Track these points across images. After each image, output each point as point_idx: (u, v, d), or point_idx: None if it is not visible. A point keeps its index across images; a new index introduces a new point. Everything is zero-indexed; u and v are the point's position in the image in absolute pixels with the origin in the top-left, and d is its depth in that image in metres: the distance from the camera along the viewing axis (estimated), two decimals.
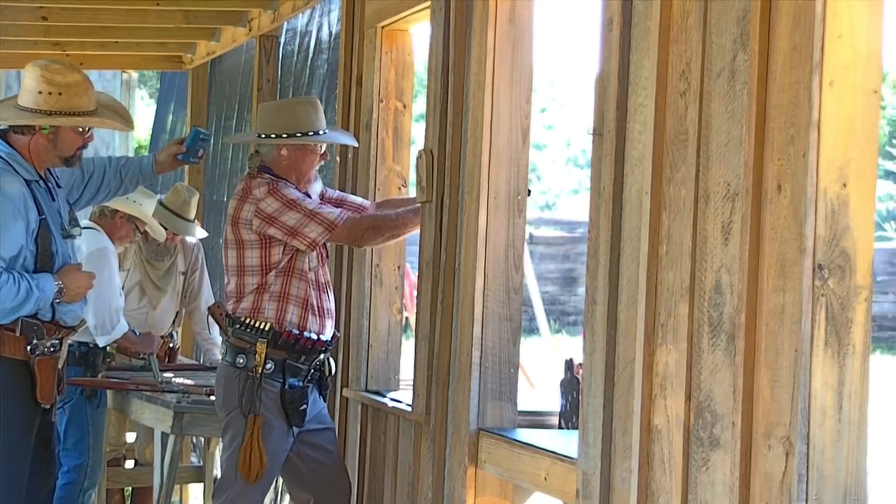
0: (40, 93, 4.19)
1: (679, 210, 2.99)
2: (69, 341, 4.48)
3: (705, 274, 2.88)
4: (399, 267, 5.05)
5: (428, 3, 4.52)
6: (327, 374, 4.58)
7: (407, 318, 10.42)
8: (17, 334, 4.17)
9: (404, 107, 5.04)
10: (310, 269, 4.48)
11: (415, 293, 4.63)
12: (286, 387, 4.43)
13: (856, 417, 2.55)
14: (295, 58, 6.82)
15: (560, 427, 4.23)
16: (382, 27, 5.00)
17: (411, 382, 4.60)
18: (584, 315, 3.39)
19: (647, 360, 3.07)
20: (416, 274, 4.57)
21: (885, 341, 17.71)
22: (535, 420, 4.38)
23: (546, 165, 27.69)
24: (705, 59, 2.92)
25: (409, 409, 4.54)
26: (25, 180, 4.21)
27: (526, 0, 4.11)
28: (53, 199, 4.32)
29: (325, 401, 4.65)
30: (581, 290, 16.81)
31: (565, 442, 3.72)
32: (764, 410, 2.68)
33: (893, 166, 23.55)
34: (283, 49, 7.02)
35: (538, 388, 10.46)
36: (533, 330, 16.40)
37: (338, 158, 5.28)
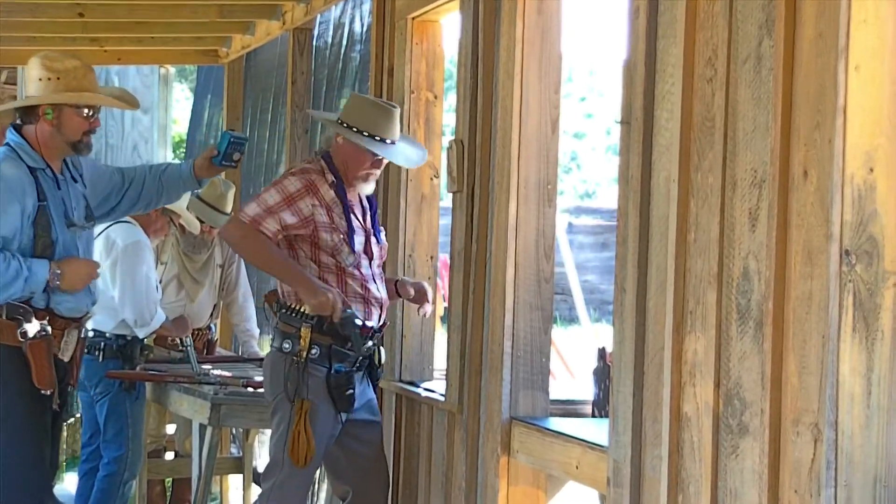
0: (40, 80, 4.31)
1: (706, 197, 2.98)
2: (83, 333, 4.45)
3: (733, 261, 2.88)
4: (432, 258, 5.06)
5: None
6: (378, 363, 4.55)
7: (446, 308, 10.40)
8: (4, 318, 4.20)
9: (435, 98, 5.04)
10: (349, 265, 4.41)
11: None
12: (331, 371, 4.42)
13: (885, 403, 2.53)
14: (328, 50, 6.84)
15: (593, 415, 4.23)
16: (413, 18, 5.01)
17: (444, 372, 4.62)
18: (614, 304, 3.39)
19: (675, 347, 3.07)
20: None
21: None
22: (570, 409, 4.39)
23: (586, 154, 27.62)
24: (731, 45, 2.91)
25: (443, 398, 4.55)
26: (30, 167, 4.29)
27: None
28: (59, 188, 4.36)
29: (375, 391, 4.60)
30: None
31: (597, 430, 3.72)
32: (792, 397, 2.68)
33: None
34: (316, 41, 7.03)
35: (577, 378, 10.44)
36: (573, 319, 16.34)
37: None
